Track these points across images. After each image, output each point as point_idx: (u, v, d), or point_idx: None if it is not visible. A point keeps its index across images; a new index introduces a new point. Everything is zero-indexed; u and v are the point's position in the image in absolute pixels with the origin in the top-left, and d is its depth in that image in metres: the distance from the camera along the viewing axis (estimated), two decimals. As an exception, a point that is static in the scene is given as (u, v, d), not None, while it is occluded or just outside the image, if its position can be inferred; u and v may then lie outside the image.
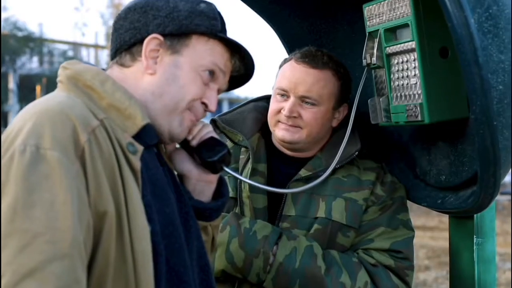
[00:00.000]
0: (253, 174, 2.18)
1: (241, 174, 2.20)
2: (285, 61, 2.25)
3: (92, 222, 1.30)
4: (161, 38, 1.52)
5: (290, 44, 2.47)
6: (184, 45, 1.54)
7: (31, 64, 35.31)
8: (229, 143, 2.29)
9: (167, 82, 1.52)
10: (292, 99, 2.17)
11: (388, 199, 2.20)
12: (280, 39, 2.51)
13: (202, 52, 1.56)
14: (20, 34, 33.25)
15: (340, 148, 2.14)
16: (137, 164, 1.40)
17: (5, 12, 33.31)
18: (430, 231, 13.46)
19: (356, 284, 2.08)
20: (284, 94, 2.18)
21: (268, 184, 2.16)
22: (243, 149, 2.27)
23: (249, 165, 2.20)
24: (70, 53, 37.17)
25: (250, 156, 2.21)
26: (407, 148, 2.28)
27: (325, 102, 2.18)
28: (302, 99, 2.17)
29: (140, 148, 1.43)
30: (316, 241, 2.13)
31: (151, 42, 1.52)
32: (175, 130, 1.56)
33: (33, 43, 34.47)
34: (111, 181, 1.34)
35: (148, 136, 1.48)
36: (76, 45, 40.04)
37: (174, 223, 1.48)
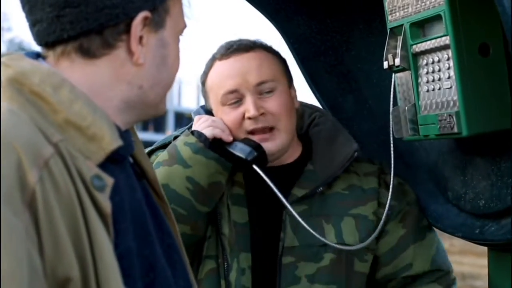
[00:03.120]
0: (235, 203, 1.90)
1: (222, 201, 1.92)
2: (205, 73, 1.95)
3: None
4: (150, 15, 1.16)
5: (297, 46, 2.23)
6: (167, 14, 1.19)
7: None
8: None
9: (158, 69, 1.18)
10: (248, 96, 1.87)
11: (404, 206, 1.96)
12: (285, 39, 2.25)
13: (177, 15, 1.22)
14: (24, 56, 33.83)
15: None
16: (107, 205, 1.04)
17: (9, 33, 33.73)
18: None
19: None
20: (234, 98, 1.88)
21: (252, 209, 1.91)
22: None
23: (226, 192, 1.90)
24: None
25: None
26: (437, 167, 2.02)
27: (280, 81, 1.92)
28: (259, 90, 1.88)
29: (109, 181, 1.07)
30: (333, 274, 1.86)
31: (141, 23, 1.15)
32: (162, 112, 1.25)
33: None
34: (73, 235, 0.99)
35: (121, 149, 1.12)
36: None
37: (155, 267, 1.15)
